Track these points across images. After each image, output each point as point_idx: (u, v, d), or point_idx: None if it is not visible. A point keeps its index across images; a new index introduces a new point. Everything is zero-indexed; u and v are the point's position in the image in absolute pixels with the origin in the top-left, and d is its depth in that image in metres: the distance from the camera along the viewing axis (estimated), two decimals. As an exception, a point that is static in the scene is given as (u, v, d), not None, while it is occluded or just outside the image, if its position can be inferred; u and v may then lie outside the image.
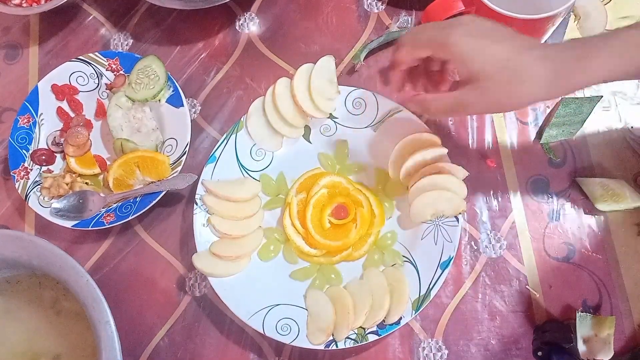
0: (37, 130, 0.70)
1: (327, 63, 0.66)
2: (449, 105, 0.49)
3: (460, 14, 0.59)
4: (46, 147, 0.70)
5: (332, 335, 0.57)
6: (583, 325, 0.57)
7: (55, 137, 0.70)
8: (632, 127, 0.65)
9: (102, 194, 0.67)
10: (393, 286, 0.58)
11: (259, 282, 0.62)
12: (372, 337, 0.57)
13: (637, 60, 0.45)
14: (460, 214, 0.59)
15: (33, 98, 0.70)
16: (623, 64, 0.45)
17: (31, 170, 0.68)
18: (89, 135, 0.70)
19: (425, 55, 0.50)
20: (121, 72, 0.71)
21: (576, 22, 0.68)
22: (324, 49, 0.72)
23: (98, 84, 0.71)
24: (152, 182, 0.66)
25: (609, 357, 0.56)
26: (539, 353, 0.58)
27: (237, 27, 0.75)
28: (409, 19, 0.72)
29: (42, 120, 0.70)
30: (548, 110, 0.66)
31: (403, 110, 0.63)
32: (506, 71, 0.46)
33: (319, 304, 0.59)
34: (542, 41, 0.65)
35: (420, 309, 0.57)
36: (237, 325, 0.63)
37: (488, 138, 0.66)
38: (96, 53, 0.71)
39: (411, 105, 0.53)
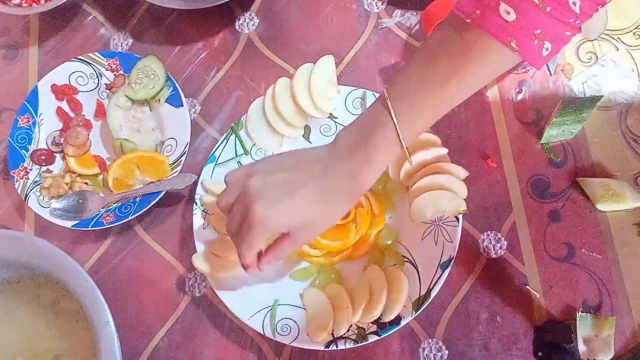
0: (36, 130, 0.70)
1: (327, 63, 0.66)
2: (283, 254, 0.52)
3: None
4: (46, 147, 0.70)
5: (333, 334, 0.57)
6: (583, 326, 0.57)
7: (55, 137, 0.70)
8: (631, 127, 0.65)
9: (101, 194, 0.67)
10: (392, 283, 0.58)
11: (259, 282, 0.62)
12: (372, 338, 0.57)
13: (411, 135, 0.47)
14: (460, 214, 0.59)
15: (33, 98, 0.70)
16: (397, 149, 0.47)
17: (31, 170, 0.68)
18: (88, 135, 0.70)
19: None
20: (121, 72, 0.71)
21: (576, 22, 0.68)
22: (324, 48, 0.72)
23: (98, 84, 0.71)
24: (151, 182, 0.66)
25: (609, 358, 0.56)
26: (539, 353, 0.58)
27: (237, 27, 0.75)
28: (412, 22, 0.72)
29: (41, 120, 0.70)
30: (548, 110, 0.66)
31: None
32: (310, 220, 0.49)
33: (317, 301, 0.59)
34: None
35: (421, 310, 0.57)
36: (237, 325, 0.62)
37: (488, 138, 0.66)
38: (96, 53, 0.71)
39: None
